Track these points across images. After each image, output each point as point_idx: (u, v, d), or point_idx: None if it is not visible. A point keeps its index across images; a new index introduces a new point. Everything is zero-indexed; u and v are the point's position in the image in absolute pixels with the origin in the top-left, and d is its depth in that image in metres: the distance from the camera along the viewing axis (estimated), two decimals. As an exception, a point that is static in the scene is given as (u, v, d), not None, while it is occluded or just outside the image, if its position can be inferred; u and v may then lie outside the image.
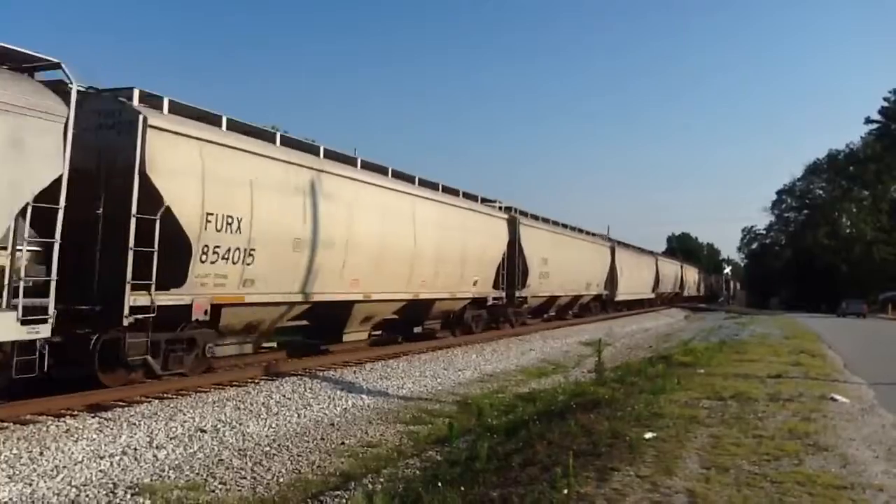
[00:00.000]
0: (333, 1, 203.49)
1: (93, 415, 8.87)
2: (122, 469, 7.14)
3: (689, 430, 7.74)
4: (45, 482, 6.54)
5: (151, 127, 9.80)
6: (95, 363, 9.62)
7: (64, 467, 6.95)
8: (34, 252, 8.45)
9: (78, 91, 8.83)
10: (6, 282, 7.96)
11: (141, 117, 9.74)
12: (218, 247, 10.88)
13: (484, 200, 22.60)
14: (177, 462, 7.55)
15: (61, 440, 7.66)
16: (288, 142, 13.67)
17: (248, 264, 11.53)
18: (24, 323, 7.97)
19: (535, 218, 27.50)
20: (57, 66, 8.80)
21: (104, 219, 9.64)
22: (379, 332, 18.44)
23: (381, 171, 16.43)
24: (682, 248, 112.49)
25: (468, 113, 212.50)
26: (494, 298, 22.29)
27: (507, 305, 23.56)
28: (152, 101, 10.59)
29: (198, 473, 7.20)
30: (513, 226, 23.56)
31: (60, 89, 8.68)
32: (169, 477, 7.04)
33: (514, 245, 23.30)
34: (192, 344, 11.12)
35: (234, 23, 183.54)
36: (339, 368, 13.96)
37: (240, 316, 11.98)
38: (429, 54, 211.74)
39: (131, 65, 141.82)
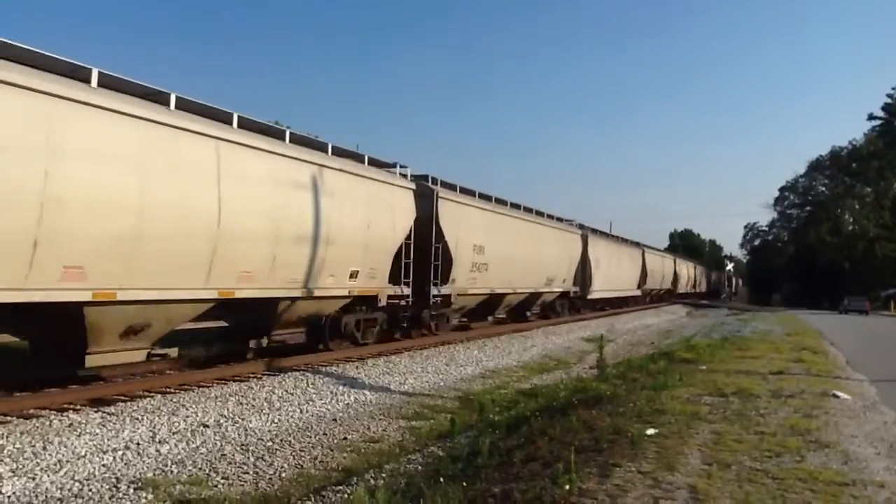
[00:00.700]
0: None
1: (95, 409, 8.90)
2: (125, 463, 7.16)
3: (691, 427, 7.74)
4: (49, 476, 6.57)
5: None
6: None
7: (67, 461, 6.98)
8: None
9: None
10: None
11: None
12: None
13: (378, 164, 16.64)
14: (179, 457, 7.58)
15: (64, 434, 7.69)
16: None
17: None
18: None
19: (467, 192, 20.85)
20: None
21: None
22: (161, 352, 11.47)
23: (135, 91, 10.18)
24: (685, 244, 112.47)
25: (473, 107, 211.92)
26: (392, 297, 16.37)
27: (418, 306, 17.87)
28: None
29: (200, 468, 7.22)
30: (427, 200, 17.73)
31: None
32: (172, 472, 7.06)
33: (429, 226, 17.83)
34: None
35: (233, 16, 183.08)
36: (342, 364, 13.99)
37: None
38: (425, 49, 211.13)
39: (131, 57, 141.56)
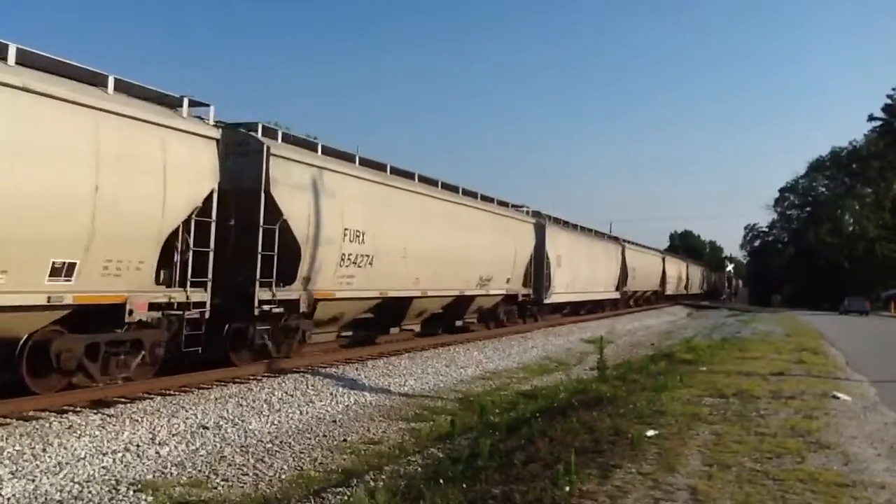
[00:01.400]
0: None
1: (95, 411, 8.89)
2: (125, 465, 7.16)
3: (692, 428, 7.73)
4: (48, 478, 6.56)
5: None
6: None
7: (67, 463, 6.97)
8: None
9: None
10: None
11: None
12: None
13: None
14: (179, 459, 7.57)
15: (64, 436, 7.68)
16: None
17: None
18: None
19: (337, 155, 14.92)
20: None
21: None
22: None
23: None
24: (685, 245, 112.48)
25: (473, 103, 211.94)
26: (155, 306, 10.30)
27: (235, 320, 12.10)
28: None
29: (200, 470, 7.22)
30: (250, 160, 12.10)
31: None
32: (171, 473, 7.05)
33: (260, 201, 12.00)
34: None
35: (231, 13, 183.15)
36: (342, 365, 13.98)
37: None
38: (419, 46, 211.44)
39: (127, 52, 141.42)
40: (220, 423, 8.98)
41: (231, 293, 11.80)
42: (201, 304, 10.96)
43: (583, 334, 25.00)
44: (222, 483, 6.85)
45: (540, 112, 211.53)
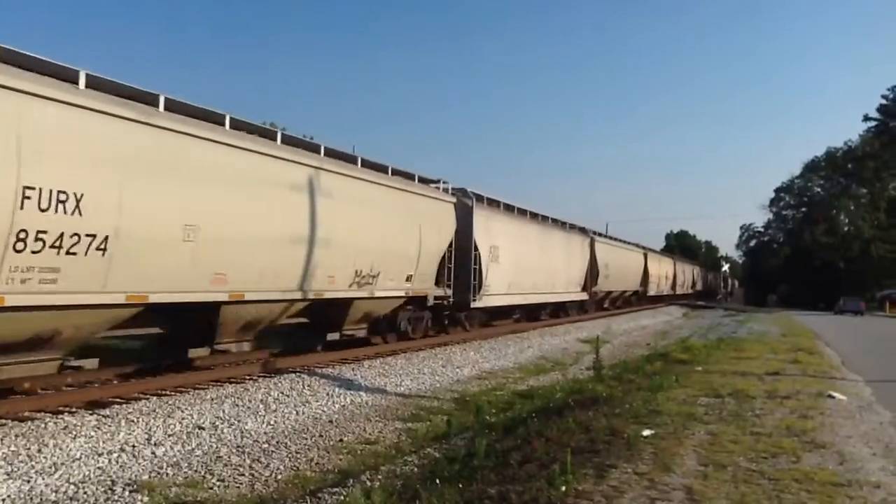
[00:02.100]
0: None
1: (91, 412, 8.87)
2: (121, 466, 7.14)
3: (687, 428, 7.75)
4: (43, 479, 6.54)
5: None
6: None
7: (62, 464, 6.95)
8: None
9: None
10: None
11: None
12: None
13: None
14: (175, 459, 7.56)
15: (59, 437, 7.66)
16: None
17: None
18: None
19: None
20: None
21: None
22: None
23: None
24: (681, 245, 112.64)
25: (473, 103, 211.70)
26: None
27: None
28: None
29: (196, 470, 7.20)
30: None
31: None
32: (167, 474, 7.04)
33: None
34: None
35: (228, 12, 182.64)
36: (338, 365, 13.97)
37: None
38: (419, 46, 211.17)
39: (123, 50, 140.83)
40: (216, 423, 8.97)
41: None
42: None
43: (579, 334, 25.02)
44: (218, 483, 6.84)
45: (540, 112, 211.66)
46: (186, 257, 10.36)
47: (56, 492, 6.31)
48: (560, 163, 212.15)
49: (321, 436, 8.96)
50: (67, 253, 8.61)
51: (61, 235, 8.47)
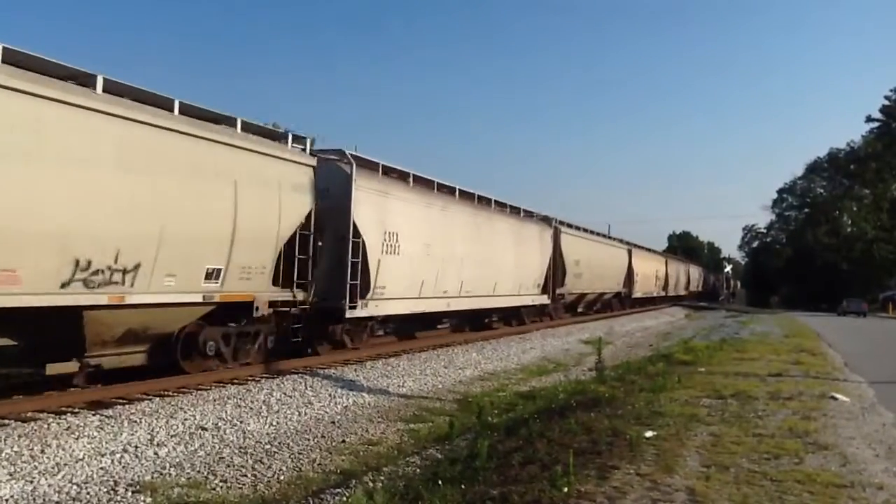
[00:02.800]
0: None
1: (94, 412, 8.89)
2: (123, 466, 7.16)
3: (690, 429, 7.75)
4: (46, 479, 6.56)
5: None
6: None
7: (65, 465, 6.97)
8: None
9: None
10: None
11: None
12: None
13: None
14: (178, 460, 7.57)
15: (62, 437, 7.67)
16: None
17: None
18: None
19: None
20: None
21: None
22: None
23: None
24: (683, 246, 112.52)
25: (474, 106, 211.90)
26: None
27: None
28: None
29: (199, 471, 7.21)
30: None
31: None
32: (170, 474, 7.05)
33: None
34: None
35: (226, 15, 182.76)
36: (340, 366, 13.98)
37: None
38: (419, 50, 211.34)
39: (121, 55, 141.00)
40: (219, 424, 8.98)
41: None
42: None
43: (581, 335, 24.99)
44: (221, 484, 6.85)
45: (554, 114, 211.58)
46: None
47: (59, 492, 6.32)
48: (559, 164, 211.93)
49: (323, 437, 8.96)
50: None
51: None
